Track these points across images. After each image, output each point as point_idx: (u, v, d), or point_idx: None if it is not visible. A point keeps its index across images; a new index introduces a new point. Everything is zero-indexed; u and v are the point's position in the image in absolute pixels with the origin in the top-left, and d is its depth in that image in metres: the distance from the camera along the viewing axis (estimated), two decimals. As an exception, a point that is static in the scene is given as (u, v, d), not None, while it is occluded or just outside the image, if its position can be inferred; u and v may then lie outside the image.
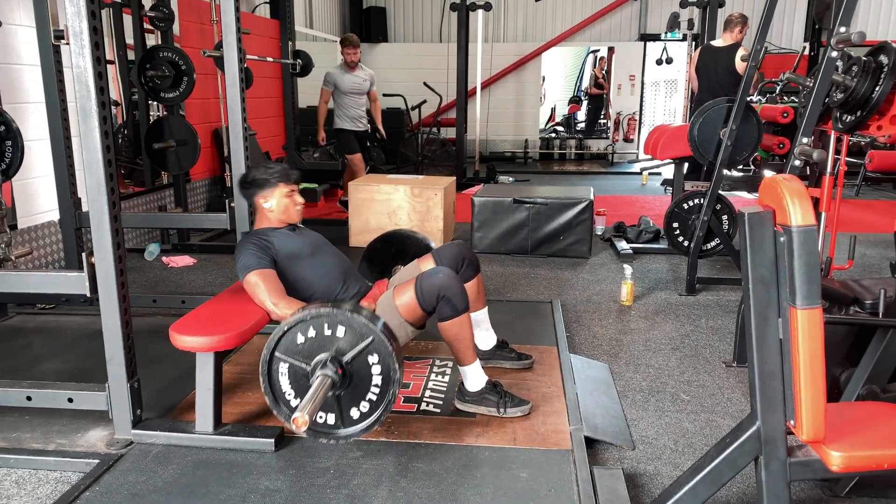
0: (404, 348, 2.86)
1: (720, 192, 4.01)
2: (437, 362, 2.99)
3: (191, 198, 6.01)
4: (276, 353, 2.02)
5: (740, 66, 5.44)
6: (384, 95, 8.74)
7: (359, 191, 5.14)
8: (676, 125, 4.90)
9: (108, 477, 2.11)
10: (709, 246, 4.12)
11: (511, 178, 8.94)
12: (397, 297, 2.47)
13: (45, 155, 3.63)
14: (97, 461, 2.18)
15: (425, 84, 7.98)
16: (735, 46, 5.61)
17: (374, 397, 2.03)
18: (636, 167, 9.43)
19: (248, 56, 5.41)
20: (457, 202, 5.70)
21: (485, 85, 10.97)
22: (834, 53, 2.75)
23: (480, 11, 8.25)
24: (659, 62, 9.83)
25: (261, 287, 2.45)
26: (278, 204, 2.66)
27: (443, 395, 2.67)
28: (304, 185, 7.18)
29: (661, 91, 12.06)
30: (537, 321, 3.54)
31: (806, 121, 2.86)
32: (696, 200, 4.14)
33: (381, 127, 6.53)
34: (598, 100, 13.30)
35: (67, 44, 3.13)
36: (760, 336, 1.71)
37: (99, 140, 2.11)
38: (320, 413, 2.05)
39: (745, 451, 1.74)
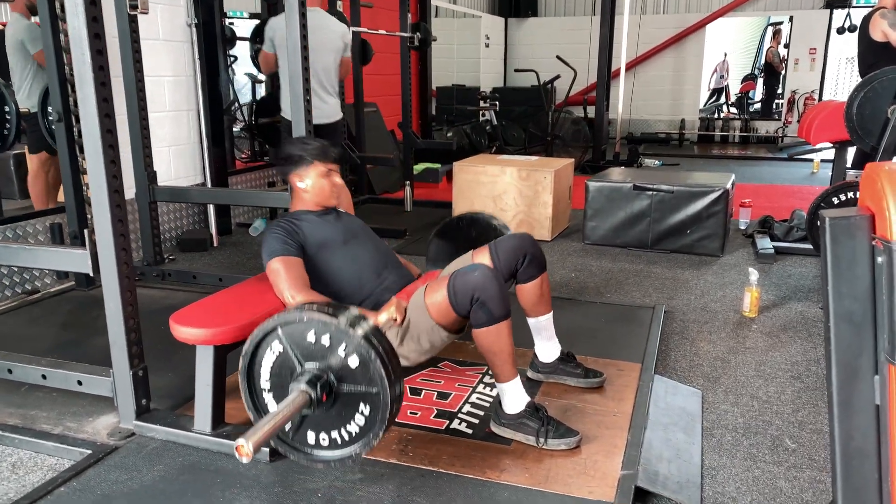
0: (444, 349, 2.52)
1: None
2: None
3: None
4: (281, 331, 1.73)
5: (875, 32, 4.20)
6: (516, 71, 8.31)
7: (463, 171, 4.80)
8: (839, 102, 4.04)
9: (91, 472, 1.96)
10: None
11: (658, 162, 8.16)
12: (429, 296, 2.13)
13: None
14: (90, 452, 2.05)
15: (558, 58, 7.42)
16: (874, 11, 4.37)
17: (355, 431, 1.71)
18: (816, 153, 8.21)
19: (358, 28, 5.25)
20: (575, 187, 5.19)
21: (637, 61, 10.17)
22: None
23: (629, -21, 7.54)
24: (840, 31, 8.49)
25: (281, 275, 2.20)
26: (313, 185, 2.39)
27: (483, 413, 2.28)
28: (425, 164, 6.98)
29: (851, 67, 10.52)
30: (630, 330, 3.03)
31: None
32: (851, 194, 3.37)
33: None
34: (774, 77, 11.95)
35: (144, 12, 3.05)
36: (845, 398, 1.18)
37: (96, 108, 1.94)
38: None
39: (818, 557, 1.23)
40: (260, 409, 1.78)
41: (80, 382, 2.22)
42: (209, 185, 4.54)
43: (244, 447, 1.49)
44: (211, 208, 4.51)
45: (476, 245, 2.78)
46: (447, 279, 2.10)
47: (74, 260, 2.11)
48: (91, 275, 2.09)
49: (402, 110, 5.78)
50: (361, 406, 1.68)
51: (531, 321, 2.46)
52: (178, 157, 4.44)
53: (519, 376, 2.12)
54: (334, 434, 1.72)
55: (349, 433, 1.71)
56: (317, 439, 1.75)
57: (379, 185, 6.43)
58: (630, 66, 9.95)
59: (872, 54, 4.39)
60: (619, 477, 1.92)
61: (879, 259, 1.08)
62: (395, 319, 2.11)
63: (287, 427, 1.76)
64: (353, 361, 1.66)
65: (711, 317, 3.29)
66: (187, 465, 2.00)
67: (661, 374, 2.62)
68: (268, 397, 1.77)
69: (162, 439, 2.12)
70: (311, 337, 1.69)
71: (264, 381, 1.76)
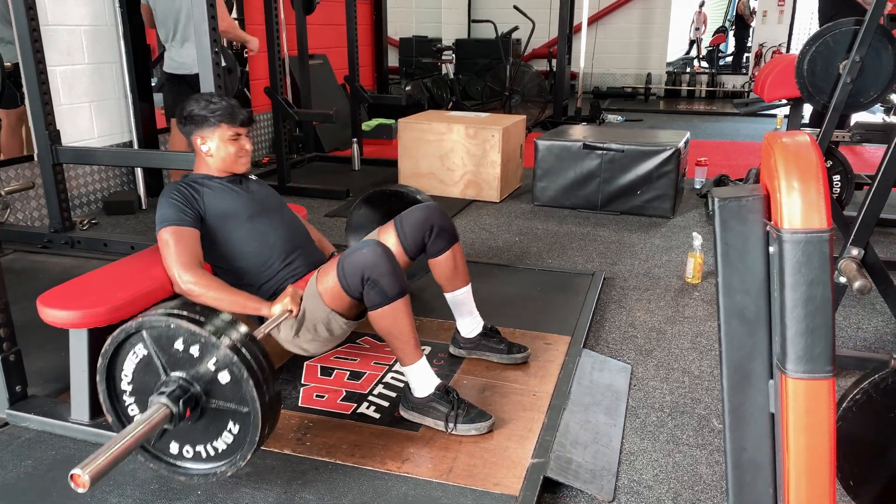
0: (367, 324, 2.35)
1: (833, 143, 3.08)
2: (413, 346, 2.44)
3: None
4: (144, 333, 1.53)
5: None
6: (473, 22, 7.99)
7: (408, 129, 4.57)
8: (793, 56, 3.86)
9: (-50, 469, 1.78)
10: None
11: (620, 118, 7.96)
12: (321, 281, 1.95)
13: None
14: (-47, 445, 1.87)
15: (515, 7, 7.11)
16: None
17: (222, 448, 1.55)
18: (774, 109, 8.05)
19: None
20: (529, 146, 4.98)
21: (603, 12, 9.87)
22: None
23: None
24: (807, -19, 8.27)
25: (171, 249, 1.99)
26: (218, 149, 2.14)
27: (394, 395, 2.13)
28: (379, 120, 6.70)
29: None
30: (564, 299, 2.88)
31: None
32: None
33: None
34: (745, 30, 11.77)
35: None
36: (736, 405, 1.03)
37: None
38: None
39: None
40: (120, 413, 1.60)
41: (-54, 368, 2.02)
42: (136, 144, 4.27)
43: (80, 477, 1.27)
44: (138, 168, 4.25)
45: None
46: (336, 261, 1.93)
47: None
48: (-52, 251, 1.87)
49: (348, 63, 5.50)
50: (230, 424, 1.51)
51: (448, 296, 2.29)
52: (102, 114, 4.15)
53: (424, 358, 1.96)
54: (199, 448, 1.55)
55: (215, 449, 1.54)
56: (180, 450, 1.57)
57: (328, 142, 6.16)
58: (595, 18, 9.68)
59: (832, 6, 4.21)
60: (528, 466, 1.78)
61: (772, 248, 0.91)
62: (291, 311, 1.92)
63: None
64: (224, 377, 1.48)
65: (653, 283, 3.15)
66: (59, 459, 1.83)
67: (592, 348, 2.49)
68: (129, 400, 1.58)
69: (37, 429, 1.94)
70: (179, 345, 1.51)
71: (126, 384, 1.58)
